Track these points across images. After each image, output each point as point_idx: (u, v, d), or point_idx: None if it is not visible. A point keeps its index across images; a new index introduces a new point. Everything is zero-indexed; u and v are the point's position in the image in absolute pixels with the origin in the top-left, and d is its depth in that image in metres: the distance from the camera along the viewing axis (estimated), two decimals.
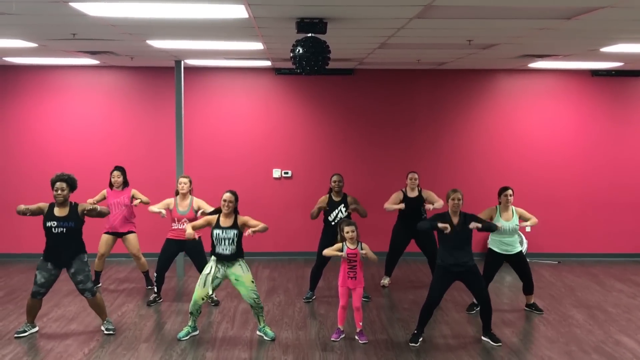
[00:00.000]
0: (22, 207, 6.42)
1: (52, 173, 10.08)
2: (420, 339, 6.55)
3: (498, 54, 8.34)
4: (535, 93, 10.69)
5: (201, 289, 6.55)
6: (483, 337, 6.64)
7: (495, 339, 6.55)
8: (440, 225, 6.30)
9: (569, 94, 10.70)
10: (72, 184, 6.52)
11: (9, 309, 7.60)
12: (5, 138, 10.30)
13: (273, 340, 6.58)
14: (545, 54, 8.43)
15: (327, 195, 7.97)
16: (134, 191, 8.46)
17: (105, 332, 6.71)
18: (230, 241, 6.50)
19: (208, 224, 6.62)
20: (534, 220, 7.47)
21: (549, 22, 5.86)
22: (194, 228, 6.63)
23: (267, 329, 6.69)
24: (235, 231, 6.50)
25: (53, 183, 6.48)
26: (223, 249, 6.51)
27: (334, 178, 7.92)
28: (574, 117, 10.72)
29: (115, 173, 8.43)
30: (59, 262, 6.52)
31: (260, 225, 6.50)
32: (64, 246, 6.46)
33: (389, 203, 8.47)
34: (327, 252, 6.68)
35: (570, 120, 10.72)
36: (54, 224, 6.41)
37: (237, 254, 6.56)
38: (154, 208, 7.76)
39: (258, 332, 6.73)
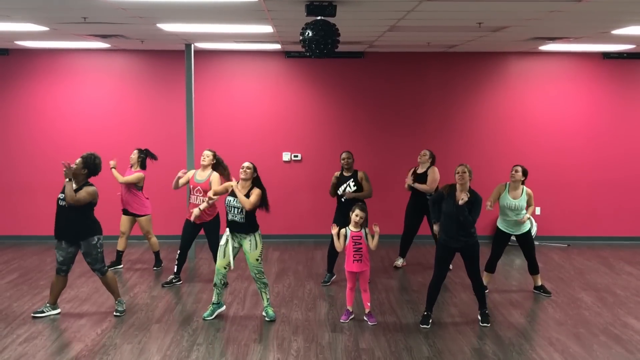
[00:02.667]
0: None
1: (63, 156, 10.25)
2: (430, 320, 6.61)
3: (508, 37, 8.31)
4: (546, 76, 10.64)
5: (221, 259, 6.65)
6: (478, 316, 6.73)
7: (485, 319, 6.62)
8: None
9: (580, 76, 10.64)
10: (86, 163, 6.53)
11: (23, 290, 7.72)
12: (17, 121, 10.39)
13: (273, 320, 6.66)
14: (556, 37, 8.39)
15: (340, 172, 8.05)
16: (137, 173, 8.51)
17: (114, 313, 6.80)
18: (240, 210, 6.56)
19: (226, 190, 6.75)
20: (531, 210, 7.45)
21: (560, 5, 5.84)
22: (215, 194, 6.91)
23: (269, 309, 6.75)
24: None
25: None
26: (233, 216, 6.59)
27: (343, 155, 8.00)
28: (584, 100, 10.67)
29: (134, 151, 8.63)
30: (66, 238, 6.58)
31: (242, 198, 6.51)
32: (66, 221, 6.51)
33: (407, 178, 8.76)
34: (337, 245, 6.71)
35: (581, 103, 10.67)
36: (61, 196, 6.52)
37: (249, 225, 6.61)
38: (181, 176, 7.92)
39: (263, 313, 6.83)
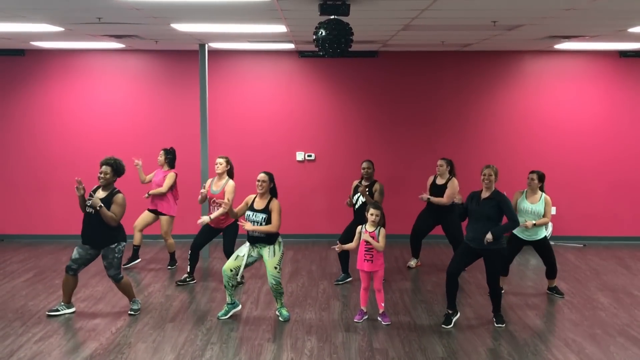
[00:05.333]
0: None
1: (78, 155, 10.37)
2: (455, 319, 6.58)
3: (523, 35, 8.25)
4: (562, 75, 10.55)
5: (232, 261, 6.63)
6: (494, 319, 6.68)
7: (499, 320, 6.58)
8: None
9: (596, 75, 10.55)
10: (117, 169, 6.61)
11: (38, 289, 7.77)
12: (32, 121, 10.46)
13: (287, 320, 6.66)
14: (571, 35, 8.32)
15: (359, 180, 8.04)
16: (168, 175, 8.55)
17: (129, 312, 6.84)
18: (258, 224, 6.54)
19: (246, 204, 6.68)
20: (545, 220, 7.30)
21: (575, 2, 5.78)
22: (239, 214, 6.71)
23: (283, 310, 6.76)
24: (265, 215, 6.54)
25: (100, 165, 6.59)
26: (253, 232, 6.57)
27: (363, 165, 7.99)
28: (601, 99, 10.57)
29: (161, 152, 8.67)
30: (91, 243, 6.62)
31: (265, 227, 6.52)
32: (93, 227, 6.54)
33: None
34: (352, 245, 6.71)
35: (597, 102, 10.57)
36: (89, 202, 6.53)
37: (268, 238, 6.59)
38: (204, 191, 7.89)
39: (276, 312, 6.82)
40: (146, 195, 8.53)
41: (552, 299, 7.55)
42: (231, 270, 6.63)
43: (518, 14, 6.52)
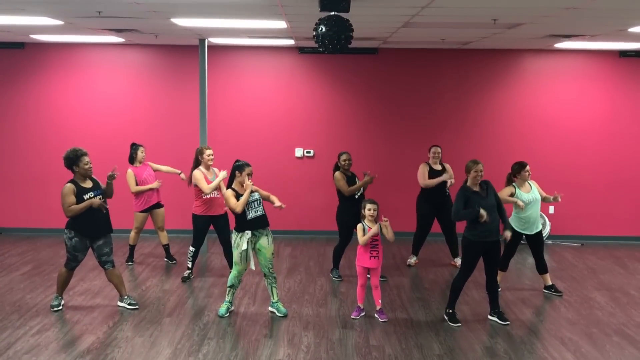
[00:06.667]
0: (76, 208, 6.42)
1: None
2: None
3: (523, 34, 8.25)
4: (561, 74, 10.55)
5: (243, 264, 6.61)
6: (490, 317, 6.67)
7: (502, 318, 6.59)
8: (481, 215, 6.25)
9: (596, 75, 10.55)
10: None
11: (36, 282, 7.77)
12: (31, 115, 10.45)
13: (285, 316, 6.67)
14: (571, 34, 8.32)
15: (341, 173, 8.06)
16: (150, 163, 8.70)
17: (129, 307, 6.83)
18: (258, 202, 6.62)
19: (236, 196, 6.60)
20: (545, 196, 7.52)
21: (576, 1, 5.79)
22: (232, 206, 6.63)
23: (280, 305, 6.77)
24: (257, 193, 6.67)
25: (79, 157, 6.47)
26: (255, 212, 6.58)
27: (345, 157, 8.07)
28: (600, 99, 10.57)
29: (143, 149, 8.58)
30: (96, 232, 6.60)
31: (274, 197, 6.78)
32: (106, 213, 6.63)
33: (424, 178, 8.66)
34: (363, 241, 6.57)
35: (597, 101, 10.57)
36: (91, 194, 6.51)
37: (266, 216, 6.68)
38: (214, 188, 7.77)
39: (270, 309, 6.82)
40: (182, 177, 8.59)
41: (548, 297, 7.56)
42: (245, 270, 6.67)
43: (518, 13, 6.53)
